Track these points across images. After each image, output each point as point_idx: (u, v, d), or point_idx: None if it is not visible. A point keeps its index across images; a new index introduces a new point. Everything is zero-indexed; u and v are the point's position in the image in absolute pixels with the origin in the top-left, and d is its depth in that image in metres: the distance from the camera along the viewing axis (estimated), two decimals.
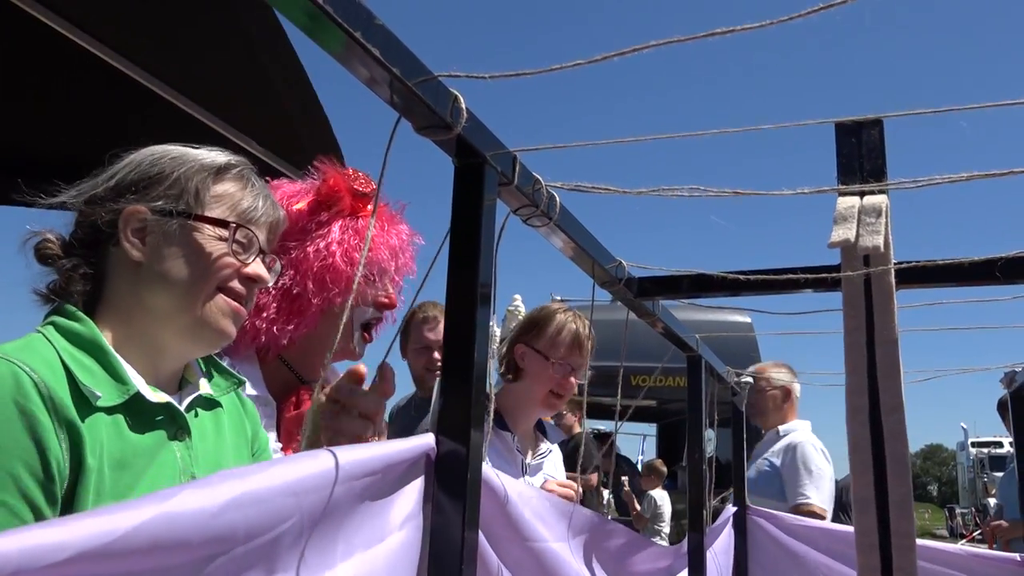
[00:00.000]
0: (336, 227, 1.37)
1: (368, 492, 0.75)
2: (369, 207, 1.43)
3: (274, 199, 1.19)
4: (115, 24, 2.21)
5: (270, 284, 1.17)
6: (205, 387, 1.17)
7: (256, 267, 1.12)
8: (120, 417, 0.99)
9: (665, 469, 7.18)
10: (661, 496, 6.95)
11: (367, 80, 0.76)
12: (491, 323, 0.92)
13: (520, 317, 5.24)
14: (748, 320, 5.49)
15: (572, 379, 2.17)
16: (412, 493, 0.84)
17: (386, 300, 1.50)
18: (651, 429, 10.59)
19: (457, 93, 0.84)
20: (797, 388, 3.70)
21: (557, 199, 1.09)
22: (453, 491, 0.85)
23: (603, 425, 7.43)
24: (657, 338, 1.82)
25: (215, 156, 1.14)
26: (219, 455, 1.15)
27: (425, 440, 0.85)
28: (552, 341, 2.18)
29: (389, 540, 0.78)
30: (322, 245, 1.34)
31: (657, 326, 1.71)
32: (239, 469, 0.61)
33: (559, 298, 2.20)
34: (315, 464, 0.67)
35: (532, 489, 1.25)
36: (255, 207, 1.13)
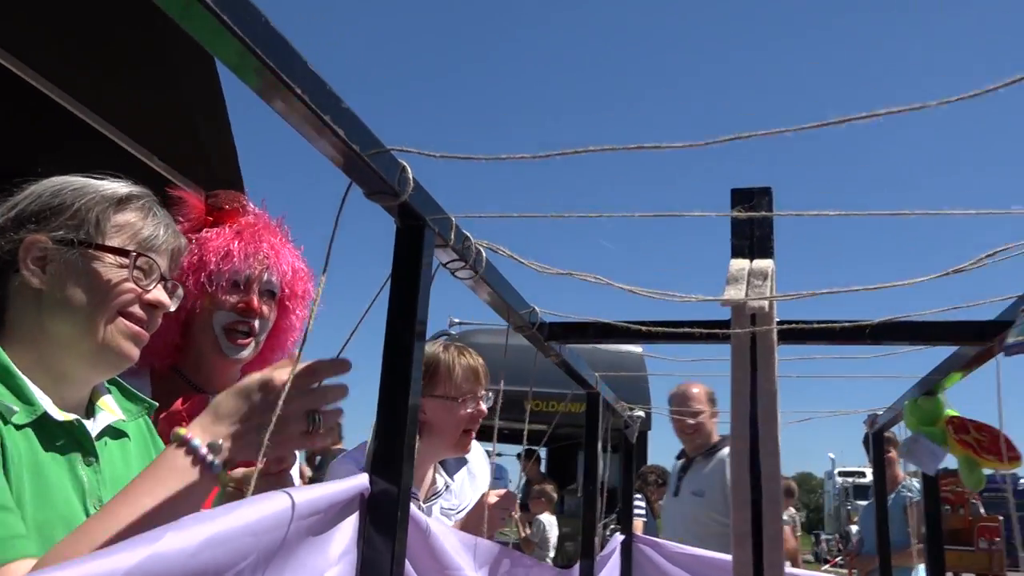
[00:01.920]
0: (194, 240, 1.56)
1: (312, 529, 0.82)
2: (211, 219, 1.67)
3: (175, 227, 1.24)
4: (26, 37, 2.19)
5: (172, 309, 1.21)
6: (115, 414, 1.19)
7: (157, 293, 1.16)
8: (31, 435, 1.02)
9: (555, 494, 7.33)
10: (550, 521, 7.09)
11: (330, 154, 0.84)
12: None
13: None
14: (639, 351, 5.75)
15: (482, 407, 2.15)
16: (348, 530, 0.92)
17: (241, 304, 1.63)
18: (541, 452, 10.83)
19: (405, 164, 0.93)
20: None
21: (484, 256, 1.19)
22: (385, 527, 0.92)
23: (489, 447, 7.55)
24: (547, 363, 1.88)
25: (117, 187, 1.18)
26: (125, 480, 1.18)
27: (360, 481, 0.92)
28: (449, 382, 2.11)
29: (328, 574, 0.85)
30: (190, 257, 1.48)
31: (562, 365, 1.82)
32: (208, 512, 0.67)
33: (457, 320, 2.22)
34: (272, 505, 0.74)
35: (444, 525, 1.34)
36: (156, 235, 1.17)
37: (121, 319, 1.12)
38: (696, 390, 3.90)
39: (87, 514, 1.02)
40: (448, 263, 1.16)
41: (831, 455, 32.49)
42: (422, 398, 2.14)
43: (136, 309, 1.13)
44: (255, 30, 0.66)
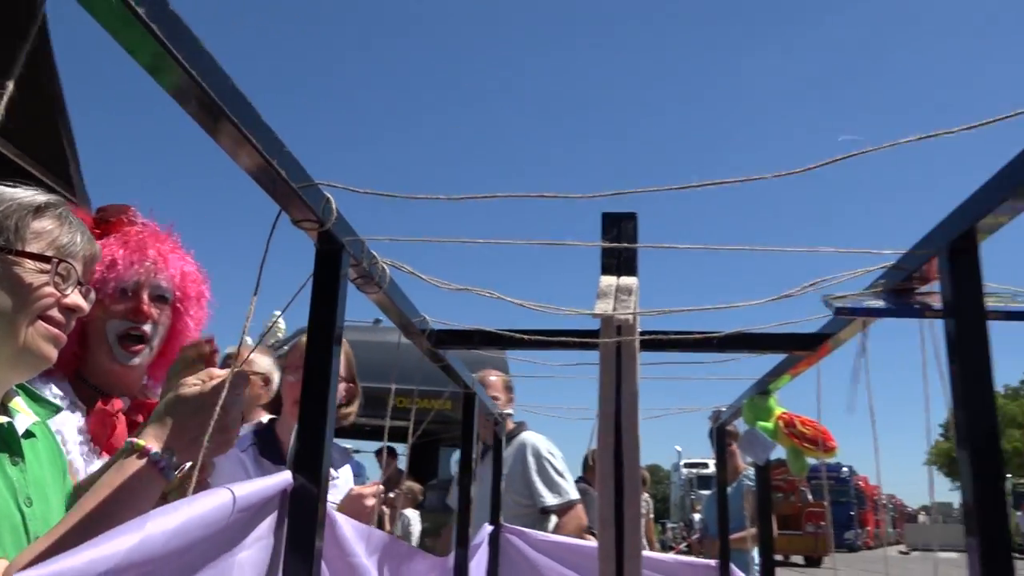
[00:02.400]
0: None
1: (242, 520, 0.93)
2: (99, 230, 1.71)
3: (90, 234, 1.29)
4: None
5: (87, 311, 1.27)
6: (30, 416, 1.24)
7: (75, 298, 1.20)
8: None
9: (419, 488, 7.46)
10: (413, 516, 7.21)
11: (264, 184, 0.95)
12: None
13: (280, 334, 5.28)
14: (502, 354, 5.96)
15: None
16: (267, 518, 1.03)
17: (130, 311, 1.68)
18: (402, 448, 10.93)
19: (329, 196, 1.05)
20: None
21: (387, 273, 1.32)
22: (305, 518, 1.04)
23: (350, 444, 7.60)
24: (414, 361, 2.02)
25: (33, 196, 1.21)
26: (43, 480, 1.23)
27: (284, 477, 1.04)
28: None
29: (241, 555, 0.96)
30: None
31: (445, 368, 1.96)
32: (168, 506, 0.78)
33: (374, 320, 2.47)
34: (218, 499, 0.84)
35: (343, 516, 1.46)
36: (73, 242, 1.22)
37: (41, 323, 1.16)
38: (494, 378, 3.94)
39: (21, 513, 1.08)
40: (356, 279, 1.28)
41: (678, 448, 34.17)
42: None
43: (55, 313, 1.17)
44: (202, 63, 0.75)
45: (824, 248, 1.22)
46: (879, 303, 1.27)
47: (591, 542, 3.29)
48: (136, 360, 1.70)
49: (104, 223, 1.75)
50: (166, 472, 1.00)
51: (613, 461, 1.66)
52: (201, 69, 0.74)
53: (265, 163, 0.88)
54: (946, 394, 1.05)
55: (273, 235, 1.03)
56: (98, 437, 1.57)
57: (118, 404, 1.62)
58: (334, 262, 1.11)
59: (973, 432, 0.97)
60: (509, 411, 4.03)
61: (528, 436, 3.86)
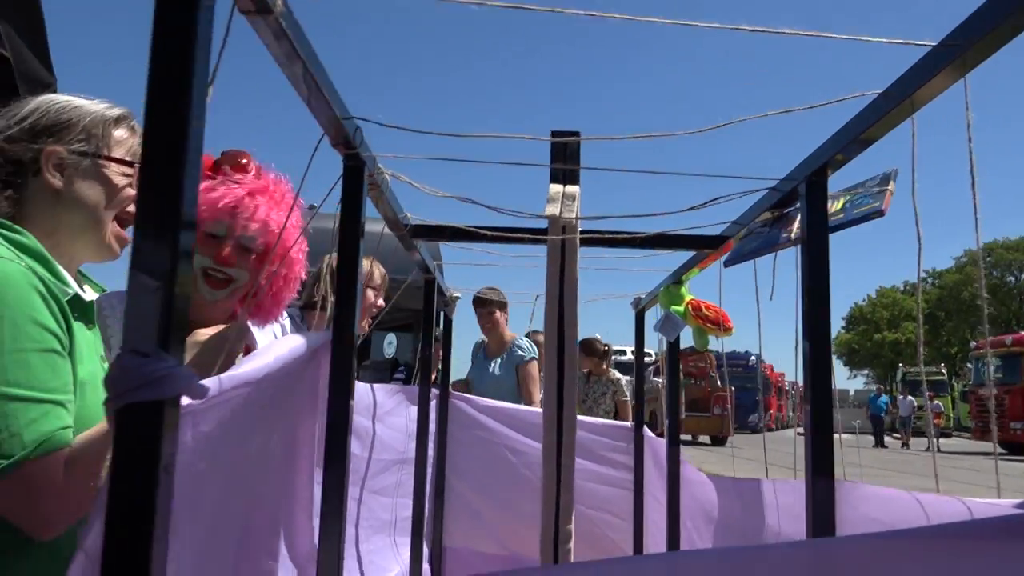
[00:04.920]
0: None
1: (310, 353, 1.33)
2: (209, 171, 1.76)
3: None
4: None
5: None
6: (90, 293, 1.56)
7: None
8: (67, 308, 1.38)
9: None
10: None
11: (320, 118, 1.28)
12: None
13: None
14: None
15: None
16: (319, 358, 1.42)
17: (213, 253, 1.70)
18: None
19: (359, 126, 1.39)
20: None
21: (388, 181, 1.68)
22: (342, 358, 1.43)
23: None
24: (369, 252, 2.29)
25: (108, 108, 1.45)
26: (98, 343, 1.55)
27: (327, 334, 1.42)
28: None
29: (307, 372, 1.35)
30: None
31: (415, 255, 2.34)
32: (265, 348, 1.15)
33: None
34: (299, 341, 1.23)
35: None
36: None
37: (115, 223, 1.43)
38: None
39: (104, 370, 1.37)
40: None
41: (597, 336, 35.47)
42: None
43: (131, 208, 1.44)
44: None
45: (729, 175, 1.62)
46: (754, 244, 1.73)
47: (522, 407, 3.81)
48: (217, 296, 1.71)
49: (218, 166, 1.74)
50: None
51: (556, 336, 2.09)
52: (296, 32, 1.06)
53: (327, 103, 1.22)
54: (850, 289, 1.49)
55: (314, 157, 1.37)
56: None
57: None
58: (359, 174, 1.46)
59: (815, 326, 1.41)
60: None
61: None
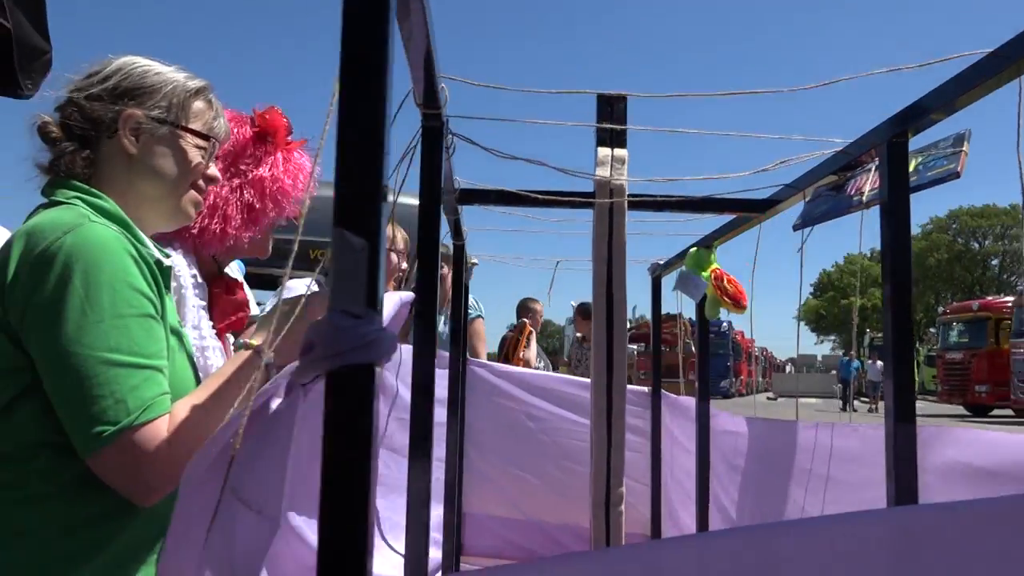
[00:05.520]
0: (279, 157, 1.68)
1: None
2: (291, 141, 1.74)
3: (225, 117, 1.49)
4: None
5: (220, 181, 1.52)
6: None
7: (214, 171, 1.47)
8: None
9: None
10: None
11: (414, 76, 1.25)
12: None
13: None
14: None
15: None
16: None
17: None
18: None
19: (444, 86, 1.36)
20: None
21: (455, 142, 1.65)
22: (427, 310, 1.41)
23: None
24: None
25: (190, 79, 1.42)
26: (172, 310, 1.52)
27: (410, 294, 1.40)
28: None
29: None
30: (277, 171, 1.66)
31: (454, 222, 2.32)
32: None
33: None
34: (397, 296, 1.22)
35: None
36: (219, 125, 1.45)
37: (192, 190, 1.41)
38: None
39: (179, 337, 1.33)
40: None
41: (573, 303, 35.66)
42: None
43: (200, 182, 1.43)
44: None
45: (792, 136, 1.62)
46: (824, 207, 1.72)
47: (540, 372, 3.81)
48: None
49: (291, 134, 1.74)
50: (269, 368, 1.22)
51: (605, 299, 2.08)
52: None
53: (425, 59, 1.19)
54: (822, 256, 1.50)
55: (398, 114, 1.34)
56: (221, 321, 1.69)
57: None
58: (438, 135, 1.43)
59: (897, 285, 1.42)
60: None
61: None
